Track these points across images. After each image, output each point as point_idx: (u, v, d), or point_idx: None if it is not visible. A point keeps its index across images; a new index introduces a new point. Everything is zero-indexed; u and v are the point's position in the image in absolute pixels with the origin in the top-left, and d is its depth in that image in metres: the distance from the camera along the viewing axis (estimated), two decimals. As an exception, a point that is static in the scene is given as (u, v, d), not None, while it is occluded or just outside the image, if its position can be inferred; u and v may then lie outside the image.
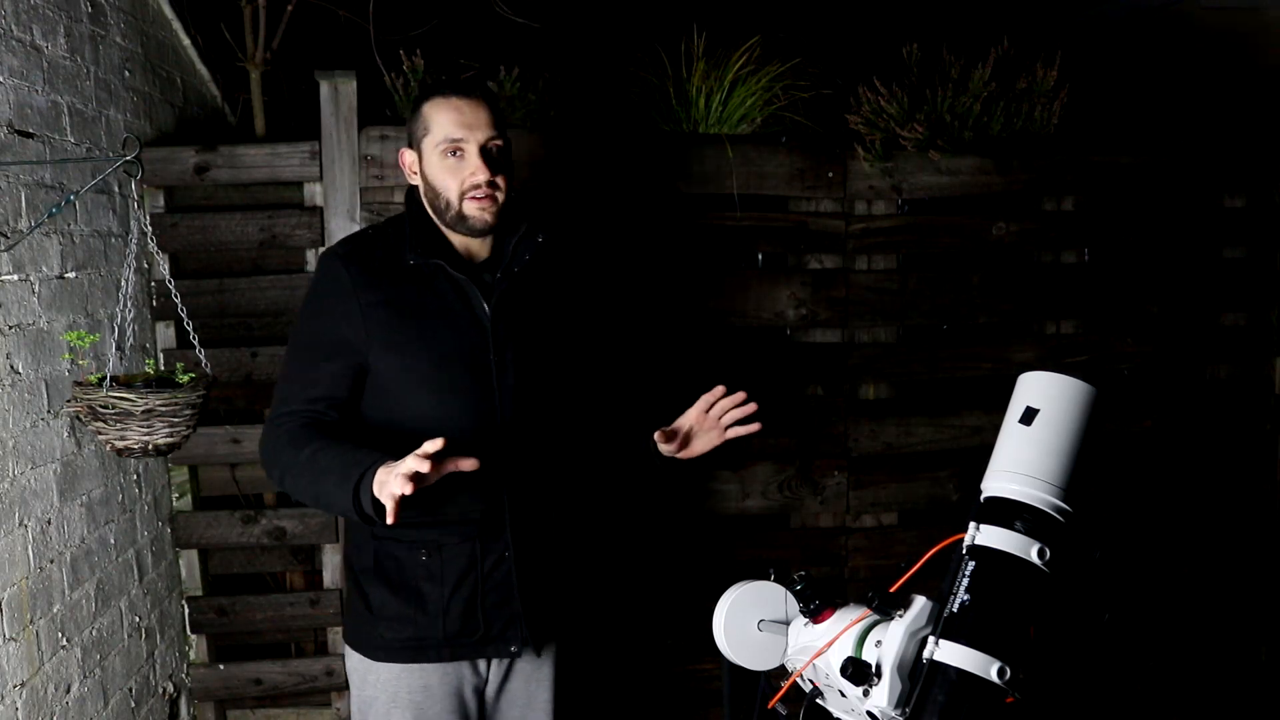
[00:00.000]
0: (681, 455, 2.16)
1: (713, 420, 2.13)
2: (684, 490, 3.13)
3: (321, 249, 2.93)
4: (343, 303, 2.02)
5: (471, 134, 2.01)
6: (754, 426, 2.12)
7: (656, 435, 2.12)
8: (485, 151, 2.01)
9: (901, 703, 1.39)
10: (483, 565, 2.04)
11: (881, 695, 1.40)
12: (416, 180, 2.09)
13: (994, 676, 1.36)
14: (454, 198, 2.02)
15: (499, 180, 2.02)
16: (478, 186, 2.00)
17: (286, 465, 1.99)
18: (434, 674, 2.08)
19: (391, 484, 1.74)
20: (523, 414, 2.04)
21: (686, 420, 2.13)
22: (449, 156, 2.01)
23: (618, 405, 2.25)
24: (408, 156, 2.10)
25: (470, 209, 2.02)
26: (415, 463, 1.72)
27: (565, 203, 2.98)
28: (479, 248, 2.10)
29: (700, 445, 2.15)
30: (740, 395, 2.12)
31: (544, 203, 2.26)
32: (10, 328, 2.15)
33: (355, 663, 2.15)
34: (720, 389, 2.13)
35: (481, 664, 2.13)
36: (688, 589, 3.05)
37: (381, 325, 2.00)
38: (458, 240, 2.08)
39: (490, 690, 2.15)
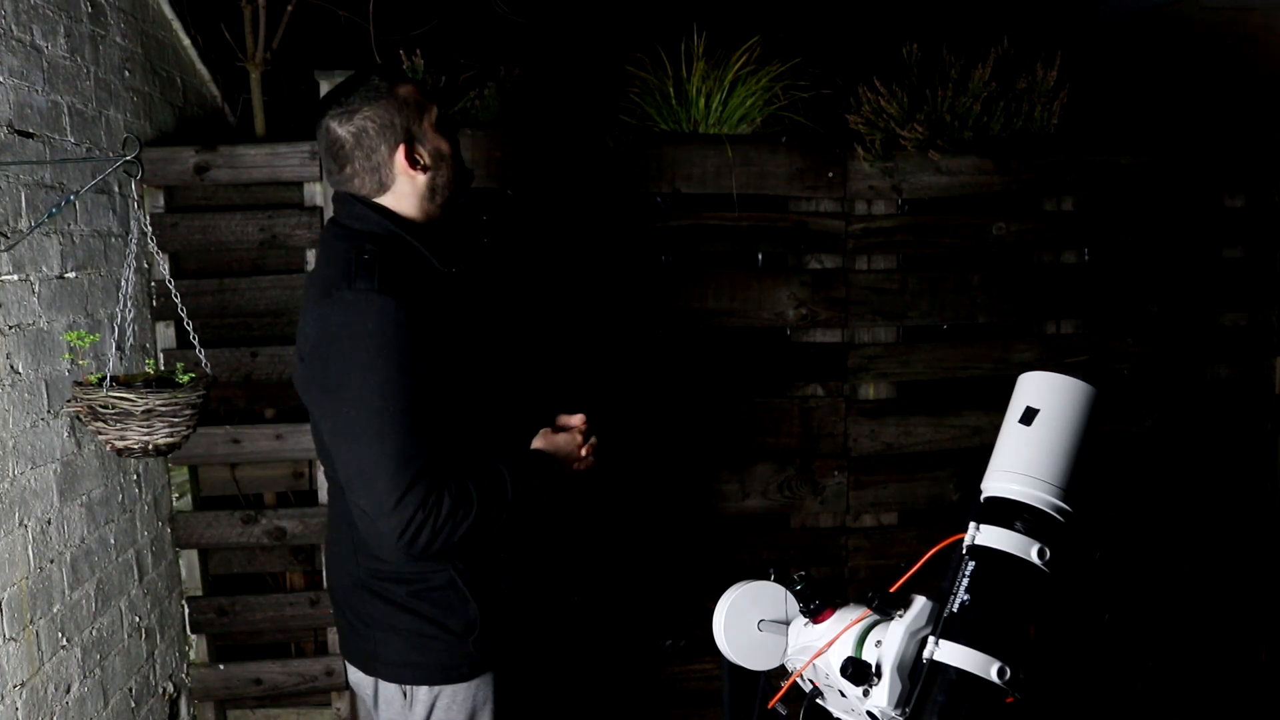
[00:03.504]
0: None
1: None
2: (685, 490, 3.13)
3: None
4: (412, 340, 1.80)
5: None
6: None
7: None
8: None
9: (901, 703, 1.39)
10: (537, 542, 2.06)
11: (881, 695, 1.40)
12: (425, 176, 1.92)
13: (994, 676, 1.36)
14: (466, 160, 2.02)
15: None
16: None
17: (463, 520, 1.81)
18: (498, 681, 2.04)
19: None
20: (540, 395, 2.07)
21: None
22: (443, 130, 1.96)
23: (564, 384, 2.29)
24: (429, 147, 1.92)
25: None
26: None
27: (565, 202, 2.98)
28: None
29: None
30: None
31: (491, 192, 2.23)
32: (10, 328, 2.15)
33: (421, 694, 1.96)
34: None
35: None
36: (688, 589, 3.06)
37: (439, 343, 1.84)
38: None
39: None
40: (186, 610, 3.05)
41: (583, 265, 3.01)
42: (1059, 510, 1.43)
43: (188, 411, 2.24)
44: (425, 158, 1.92)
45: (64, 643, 2.33)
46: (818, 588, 1.57)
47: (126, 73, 2.79)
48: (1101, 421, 1.48)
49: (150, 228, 2.54)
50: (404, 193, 1.92)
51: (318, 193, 2.95)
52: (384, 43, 3.06)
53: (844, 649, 1.47)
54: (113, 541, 2.61)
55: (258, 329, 3.01)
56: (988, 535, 1.43)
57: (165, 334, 2.95)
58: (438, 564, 1.90)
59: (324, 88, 2.89)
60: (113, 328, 2.52)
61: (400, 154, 1.90)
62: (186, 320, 2.44)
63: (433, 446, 1.80)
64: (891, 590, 1.45)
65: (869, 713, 1.42)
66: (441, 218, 1.98)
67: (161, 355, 2.93)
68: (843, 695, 1.46)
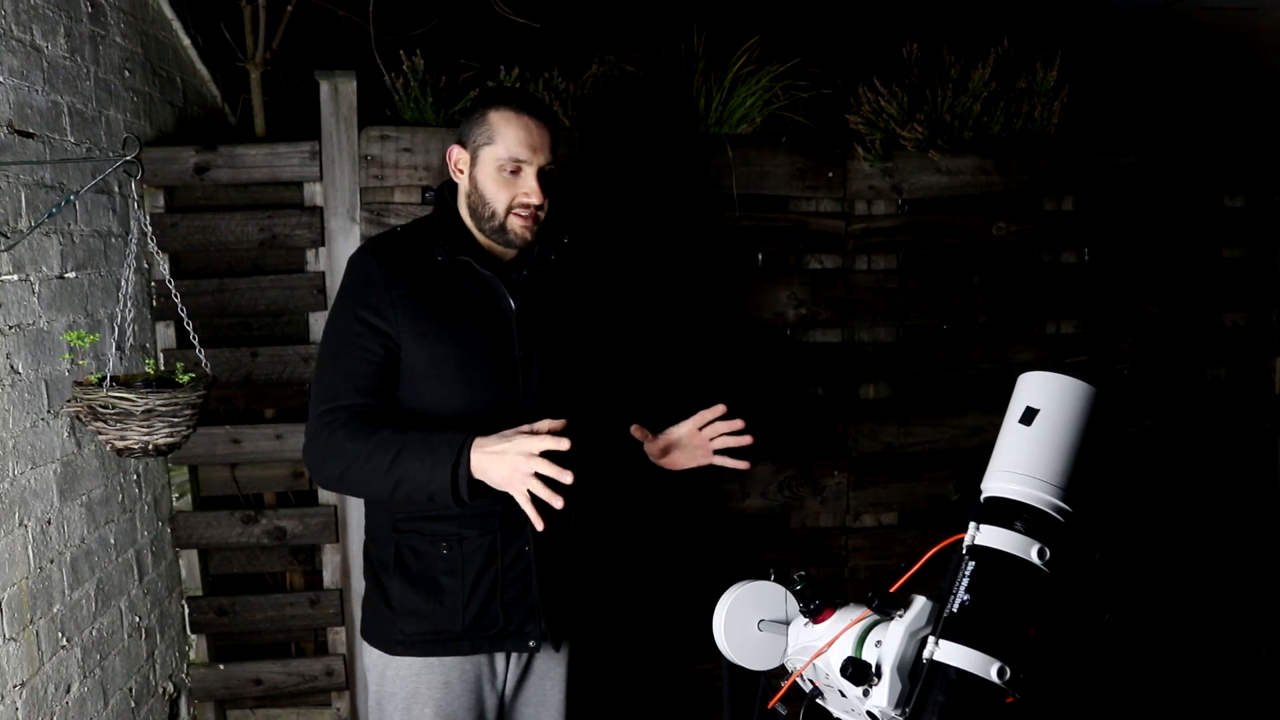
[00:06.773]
0: (662, 463, 2.20)
1: (703, 439, 2.16)
2: (685, 490, 3.13)
3: (321, 249, 2.95)
4: (374, 294, 2.04)
5: (534, 156, 2.03)
6: (743, 464, 2.15)
7: (634, 430, 2.14)
8: (542, 174, 2.05)
9: (901, 703, 1.39)
10: (502, 559, 2.06)
11: (881, 695, 1.40)
12: (461, 179, 2.10)
13: (994, 676, 1.36)
14: (500, 210, 2.05)
15: (545, 203, 2.07)
16: (527, 207, 2.04)
17: (350, 458, 1.96)
18: (454, 670, 2.10)
19: (531, 466, 1.81)
20: (546, 408, 2.04)
21: (678, 431, 2.17)
22: (506, 172, 2.03)
23: (629, 403, 2.26)
24: (457, 153, 2.09)
25: (514, 224, 2.05)
26: (545, 442, 1.81)
27: (563, 202, 2.98)
28: (503, 249, 2.12)
29: (683, 460, 2.19)
30: (737, 423, 2.13)
31: (571, 206, 2.27)
32: (10, 328, 2.15)
33: (374, 658, 2.15)
34: (720, 408, 2.14)
35: (499, 661, 2.14)
36: (688, 588, 3.05)
37: (409, 317, 2.02)
38: (484, 239, 2.11)
39: (508, 689, 2.17)
40: (186, 610, 3.05)
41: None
42: (1059, 510, 1.44)
43: (188, 411, 2.24)
44: (459, 165, 2.10)
45: (64, 643, 2.33)
46: (818, 588, 1.57)
47: (126, 73, 2.79)
48: (1101, 421, 1.48)
49: (150, 228, 2.53)
50: (464, 189, 2.11)
51: (318, 193, 2.95)
52: (384, 43, 3.05)
53: (844, 649, 1.47)
54: (113, 541, 2.61)
55: (258, 329, 3.01)
56: (988, 535, 1.43)
57: (165, 334, 2.95)
58: (384, 537, 2.10)
59: (324, 88, 2.90)
60: (113, 328, 2.52)
61: (452, 153, 2.11)
62: (186, 320, 2.44)
63: (368, 393, 2.01)
64: (891, 590, 1.45)
65: (869, 713, 1.42)
66: (504, 241, 2.07)
67: (161, 355, 2.93)
68: (843, 695, 1.46)
